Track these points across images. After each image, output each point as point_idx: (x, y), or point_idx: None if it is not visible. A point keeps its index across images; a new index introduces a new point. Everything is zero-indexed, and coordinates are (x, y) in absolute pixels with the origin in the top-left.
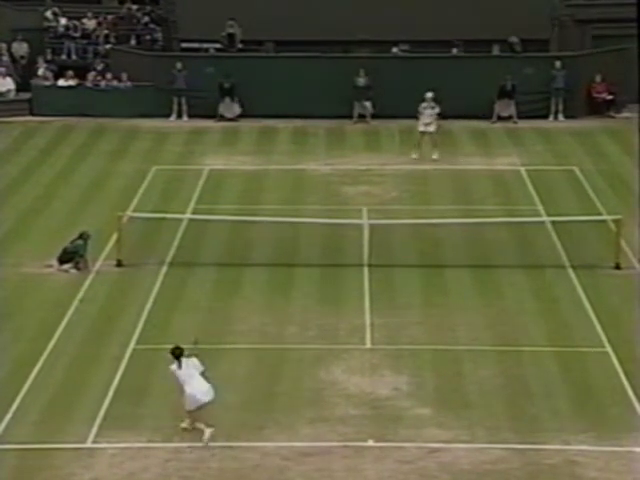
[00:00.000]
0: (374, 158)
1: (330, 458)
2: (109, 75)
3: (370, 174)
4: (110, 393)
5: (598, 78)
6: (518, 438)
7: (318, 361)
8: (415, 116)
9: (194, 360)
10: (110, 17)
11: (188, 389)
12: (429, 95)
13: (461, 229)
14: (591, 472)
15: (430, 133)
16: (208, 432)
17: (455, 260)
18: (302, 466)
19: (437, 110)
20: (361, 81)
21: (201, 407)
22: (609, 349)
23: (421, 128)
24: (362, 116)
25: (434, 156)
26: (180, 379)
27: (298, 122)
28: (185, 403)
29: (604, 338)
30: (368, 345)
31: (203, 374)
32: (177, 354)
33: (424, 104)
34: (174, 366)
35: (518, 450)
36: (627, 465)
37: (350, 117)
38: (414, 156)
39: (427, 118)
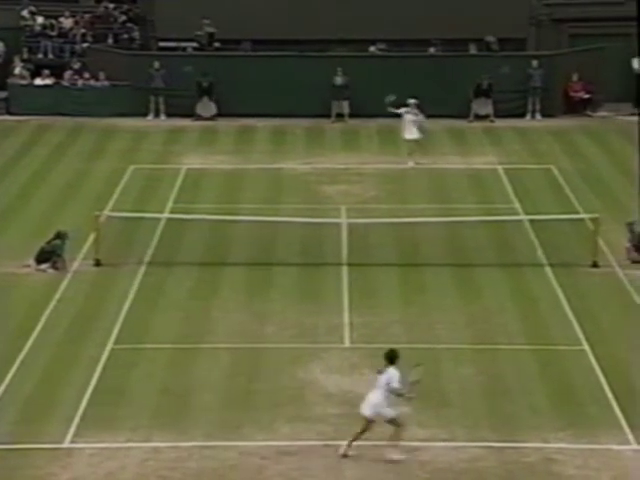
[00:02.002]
0: (352, 157)
1: (309, 457)
2: (86, 74)
3: (348, 173)
4: (88, 393)
5: (575, 77)
6: (496, 436)
7: (297, 360)
8: (392, 115)
9: (392, 372)
10: (87, 16)
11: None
12: (412, 102)
13: (439, 228)
14: (569, 470)
15: (415, 140)
16: (343, 449)
17: (434, 259)
18: (281, 465)
19: (421, 117)
20: (339, 80)
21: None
22: (587, 347)
23: (406, 136)
24: (340, 115)
25: (411, 163)
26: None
27: (276, 121)
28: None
29: (582, 336)
30: (347, 344)
31: (396, 391)
32: (389, 357)
33: (407, 109)
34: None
35: (496, 448)
36: (605, 462)
37: (328, 116)
38: (410, 164)
39: (411, 125)
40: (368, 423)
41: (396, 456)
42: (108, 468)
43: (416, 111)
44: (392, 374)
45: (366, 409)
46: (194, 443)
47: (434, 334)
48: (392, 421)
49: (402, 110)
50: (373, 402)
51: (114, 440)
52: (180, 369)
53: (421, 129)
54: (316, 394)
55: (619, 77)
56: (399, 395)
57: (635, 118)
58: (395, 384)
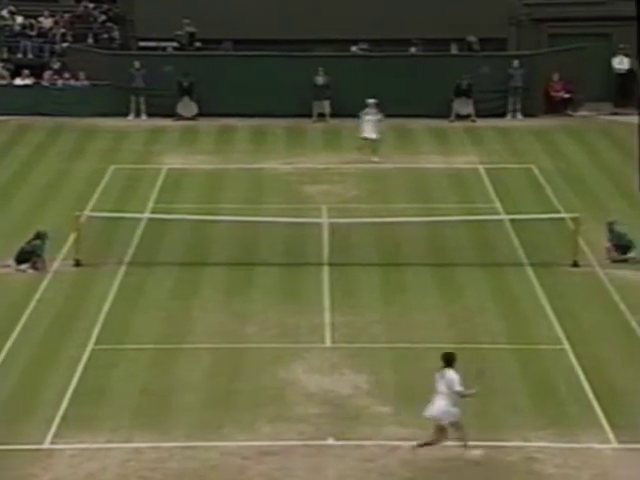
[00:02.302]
0: (334, 157)
1: (290, 457)
2: (66, 74)
3: (330, 173)
4: (69, 393)
5: (555, 77)
6: (477, 435)
7: (278, 360)
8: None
9: (452, 376)
10: (67, 16)
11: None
12: (371, 101)
13: (421, 227)
14: (549, 468)
15: (373, 140)
16: (414, 444)
17: (415, 258)
18: (262, 465)
19: (379, 117)
20: (320, 80)
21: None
22: (567, 346)
23: (363, 134)
24: (321, 115)
25: (375, 159)
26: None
27: (257, 121)
28: None
29: (562, 335)
30: (328, 344)
31: (461, 394)
32: (446, 359)
33: (367, 109)
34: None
35: (477, 447)
36: (585, 461)
37: (309, 116)
38: (375, 159)
39: (369, 124)
40: (441, 429)
41: (477, 452)
42: (89, 469)
43: (375, 111)
44: (452, 378)
45: (437, 414)
46: (175, 443)
47: (415, 334)
48: (455, 423)
49: (363, 112)
50: (442, 408)
51: (95, 441)
52: (161, 369)
53: (379, 129)
54: (297, 394)
55: (599, 77)
56: (463, 396)
57: (615, 117)
58: (458, 387)
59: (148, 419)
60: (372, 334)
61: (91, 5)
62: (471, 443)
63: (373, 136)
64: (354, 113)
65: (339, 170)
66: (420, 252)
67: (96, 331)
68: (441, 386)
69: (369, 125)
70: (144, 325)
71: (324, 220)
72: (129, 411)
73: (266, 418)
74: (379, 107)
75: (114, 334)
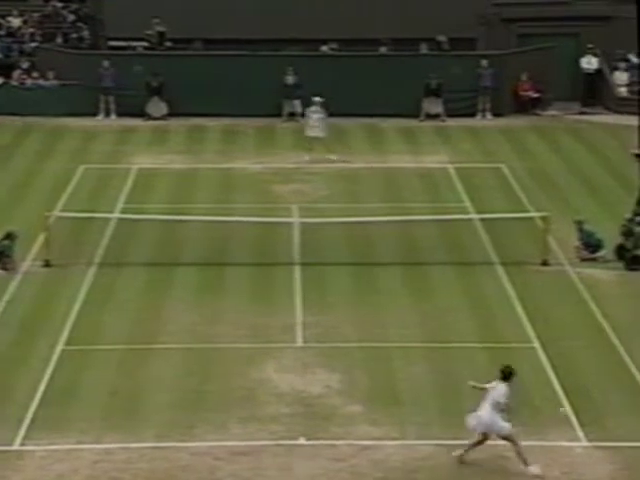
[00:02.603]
0: (304, 156)
1: (262, 457)
2: (35, 74)
3: (300, 172)
4: (38, 395)
5: (524, 76)
6: (448, 434)
7: (249, 360)
8: (345, 114)
9: (502, 388)
10: (36, 15)
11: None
12: (317, 99)
13: (391, 227)
14: (519, 467)
15: (319, 138)
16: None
17: (386, 258)
18: (233, 465)
19: (322, 115)
20: (290, 79)
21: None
22: (537, 345)
23: (309, 133)
24: (292, 114)
25: (332, 157)
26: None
27: (227, 121)
28: None
29: (532, 334)
30: (299, 343)
31: (498, 405)
32: (506, 373)
33: (312, 108)
34: (494, 383)
35: (448, 446)
36: (555, 459)
37: (280, 115)
38: (306, 158)
39: (314, 122)
40: (483, 437)
41: (535, 470)
42: (59, 470)
43: (321, 109)
44: (501, 390)
45: (476, 425)
46: (146, 444)
47: (386, 333)
48: (507, 437)
49: (309, 110)
50: (484, 420)
51: (65, 442)
52: (131, 370)
53: (324, 127)
54: (269, 394)
55: (568, 76)
56: (502, 410)
57: (583, 117)
58: (501, 399)
59: (118, 420)
60: (343, 333)
61: (60, 4)
62: (441, 443)
63: (321, 134)
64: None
65: (310, 170)
66: (391, 251)
67: (66, 332)
68: (488, 396)
69: (314, 123)
70: (114, 326)
71: (295, 220)
72: (99, 412)
73: (237, 418)
74: (324, 106)
75: (84, 335)
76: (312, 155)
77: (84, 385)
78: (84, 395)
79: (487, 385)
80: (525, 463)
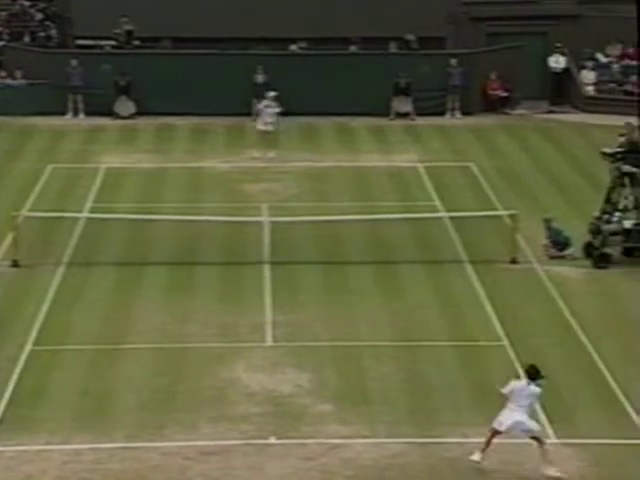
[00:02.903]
0: (274, 155)
1: (232, 456)
2: (3, 72)
3: (270, 171)
4: (7, 395)
5: (493, 75)
6: (418, 432)
7: (219, 359)
8: (315, 113)
9: (534, 389)
10: (3, 14)
11: (506, 409)
12: (271, 94)
13: (361, 226)
14: (490, 464)
15: (270, 132)
16: (477, 455)
17: (356, 257)
18: (203, 465)
19: (277, 110)
20: (260, 78)
21: (497, 432)
22: (506, 342)
23: (261, 127)
24: None
25: (270, 154)
26: (510, 395)
27: (196, 120)
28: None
29: (501, 332)
30: (269, 342)
31: (531, 405)
32: (531, 373)
33: (265, 102)
34: (516, 382)
35: (418, 444)
36: (525, 456)
37: (249, 114)
38: (256, 155)
39: (268, 117)
40: (496, 433)
41: (553, 472)
42: (28, 471)
43: (275, 104)
44: (536, 391)
45: (512, 425)
46: (115, 444)
47: (356, 332)
48: (536, 437)
49: (261, 105)
50: (520, 420)
51: (34, 442)
52: (100, 370)
53: (276, 122)
54: (239, 393)
55: (536, 75)
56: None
57: (551, 115)
58: (537, 400)
59: (88, 420)
60: (313, 332)
61: (27, 3)
62: (412, 441)
63: (270, 128)
64: (294, 111)
65: (279, 168)
66: (361, 250)
67: (35, 332)
68: (520, 395)
69: (267, 118)
70: (83, 326)
71: (264, 219)
72: (68, 412)
73: (207, 418)
74: (278, 100)
75: (53, 335)
76: (260, 150)
77: (53, 385)
78: (53, 395)
79: (510, 387)
80: (549, 464)
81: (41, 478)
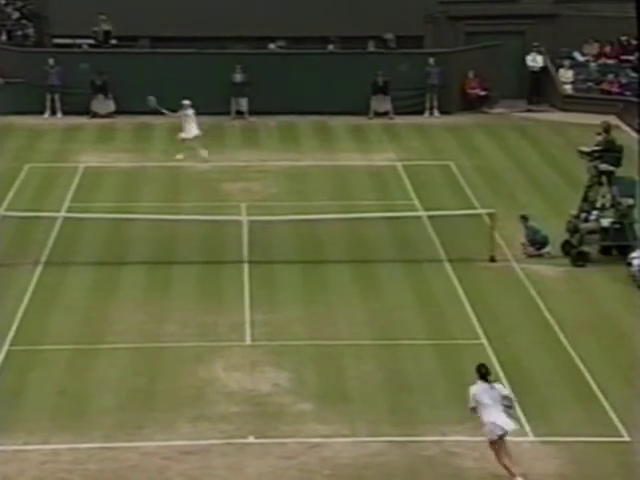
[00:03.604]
0: (253, 154)
1: (211, 456)
2: None
3: (249, 170)
4: None
5: (471, 74)
6: (397, 431)
7: (198, 359)
8: (293, 112)
9: (499, 386)
10: None
11: (486, 417)
12: (187, 102)
13: (340, 225)
14: (468, 462)
15: (196, 137)
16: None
17: (335, 256)
18: (182, 465)
19: (191, 112)
20: (238, 77)
21: (502, 437)
22: (484, 341)
23: (193, 134)
24: (240, 112)
25: (179, 156)
26: (479, 403)
27: (174, 119)
28: (486, 433)
29: (480, 330)
30: (248, 342)
31: (507, 405)
32: (482, 372)
33: (184, 109)
34: (475, 387)
35: (397, 443)
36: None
37: (227, 113)
38: (179, 157)
39: (191, 123)
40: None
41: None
42: (5, 472)
43: (192, 110)
44: (500, 387)
45: (503, 430)
46: (94, 444)
47: (335, 331)
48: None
49: (181, 112)
50: (504, 420)
51: (11, 443)
52: (78, 370)
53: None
54: (217, 392)
55: (514, 74)
56: (509, 407)
57: (529, 114)
58: (510, 395)
59: (66, 420)
60: (292, 332)
61: (3, 1)
62: (391, 439)
63: (196, 133)
64: (273, 110)
65: (258, 167)
66: (340, 249)
67: (12, 332)
68: (494, 398)
69: (190, 123)
70: (61, 326)
71: (243, 218)
72: (46, 413)
73: (186, 417)
74: (193, 107)
75: (30, 335)
76: (190, 155)
77: (31, 386)
78: (31, 396)
79: (476, 396)
80: (510, 473)
81: (19, 478)
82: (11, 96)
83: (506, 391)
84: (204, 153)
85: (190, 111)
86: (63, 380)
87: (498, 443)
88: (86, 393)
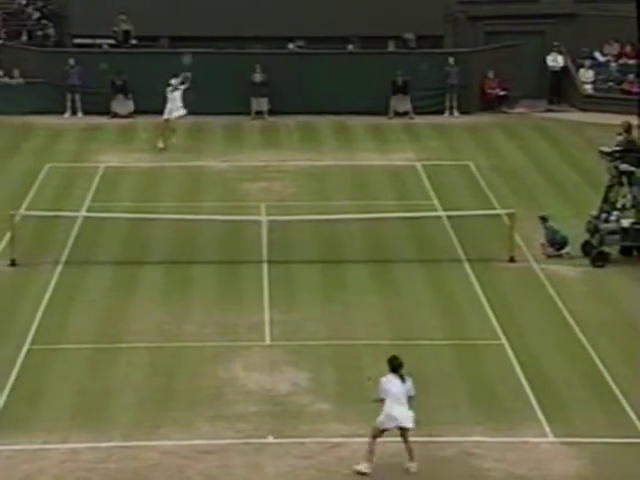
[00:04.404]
0: (272, 154)
1: (229, 456)
2: (0, 72)
3: (268, 170)
4: (5, 394)
5: (491, 74)
6: (416, 431)
7: (217, 358)
8: (313, 112)
9: (409, 384)
10: (0, 13)
11: (387, 409)
12: (173, 81)
13: (359, 225)
14: (487, 463)
15: (172, 119)
16: (364, 466)
17: (354, 256)
18: (201, 464)
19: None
20: (258, 77)
21: (386, 430)
22: (504, 341)
23: (172, 115)
24: (259, 112)
25: (166, 142)
26: (387, 394)
27: (194, 118)
28: (377, 421)
29: (499, 331)
30: (267, 341)
31: (410, 400)
32: (394, 365)
33: (169, 88)
34: (386, 379)
35: (416, 443)
36: (522, 455)
37: (247, 113)
38: (160, 145)
39: (172, 103)
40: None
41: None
42: (25, 470)
43: (174, 89)
44: (410, 386)
45: (399, 421)
46: (113, 443)
47: (354, 330)
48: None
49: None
50: (404, 415)
51: (31, 442)
52: (98, 369)
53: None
54: (236, 392)
55: (534, 74)
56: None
57: (549, 114)
58: (413, 392)
59: (85, 419)
60: (311, 331)
61: (24, 2)
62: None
63: (176, 114)
64: (292, 110)
65: (277, 167)
66: (359, 249)
67: (32, 331)
68: (401, 391)
69: (177, 103)
70: (81, 325)
71: (263, 218)
72: (66, 411)
73: (205, 417)
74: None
75: (50, 334)
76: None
77: (50, 385)
78: (51, 395)
79: (386, 387)
80: (411, 457)
81: (39, 477)
82: (32, 96)
83: (413, 392)
84: (161, 143)
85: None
86: (83, 379)
87: (381, 435)
88: (106, 392)
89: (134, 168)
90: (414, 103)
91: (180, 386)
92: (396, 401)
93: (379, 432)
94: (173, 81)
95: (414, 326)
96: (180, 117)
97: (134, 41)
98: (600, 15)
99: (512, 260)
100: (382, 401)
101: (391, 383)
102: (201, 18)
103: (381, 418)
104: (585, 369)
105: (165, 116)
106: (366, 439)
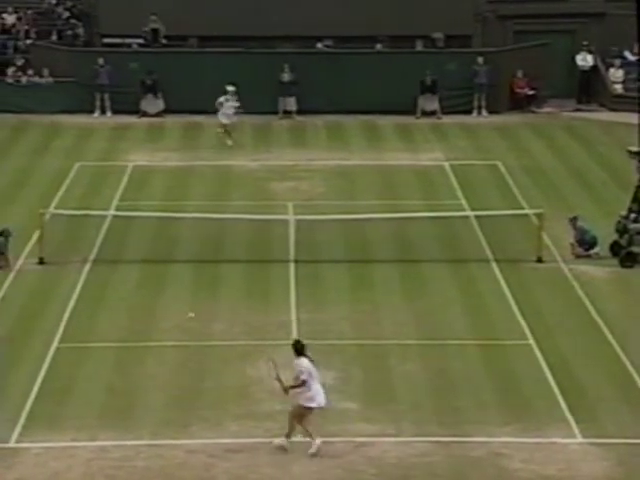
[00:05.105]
0: (300, 154)
1: (257, 454)
2: (30, 71)
3: (296, 170)
4: (34, 392)
5: (520, 73)
6: (443, 431)
7: (244, 357)
8: (341, 111)
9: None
10: (30, 12)
11: (315, 388)
12: (231, 89)
13: (387, 224)
14: (515, 464)
15: (228, 124)
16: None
17: (381, 255)
18: (228, 463)
19: (237, 104)
20: (286, 77)
21: (312, 410)
22: (532, 341)
23: (224, 120)
24: (288, 112)
25: (230, 142)
26: (311, 376)
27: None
28: (312, 400)
29: (527, 331)
30: None
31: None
32: (299, 347)
33: (226, 97)
34: (304, 361)
35: (443, 443)
36: (550, 456)
37: (276, 113)
38: (230, 143)
39: (228, 110)
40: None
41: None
42: (54, 468)
43: (233, 98)
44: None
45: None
46: (141, 442)
47: (381, 330)
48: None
49: (222, 98)
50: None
51: (60, 439)
52: (126, 367)
53: (232, 115)
54: (264, 391)
55: (563, 73)
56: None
57: (578, 114)
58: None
59: (113, 417)
60: (339, 331)
61: (54, 1)
62: (437, 439)
63: (230, 120)
64: (320, 110)
65: (305, 167)
66: (386, 249)
67: (61, 329)
68: (315, 373)
69: (227, 110)
70: (109, 323)
71: (290, 217)
72: (94, 409)
73: (232, 415)
74: (237, 95)
75: (79, 332)
76: (230, 139)
77: (79, 383)
78: (79, 393)
79: (308, 368)
80: (311, 437)
81: (67, 474)
82: (61, 95)
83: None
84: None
85: (223, 99)
86: (111, 377)
87: (308, 414)
88: (133, 390)
89: (163, 167)
90: (442, 102)
91: (208, 385)
92: (317, 381)
93: (307, 410)
94: (231, 88)
95: (441, 326)
96: (228, 124)
97: (164, 41)
98: (630, 14)
99: (540, 260)
100: (303, 383)
101: (311, 365)
102: (230, 18)
103: (318, 396)
104: (614, 370)
105: (223, 121)
106: (393, 439)
